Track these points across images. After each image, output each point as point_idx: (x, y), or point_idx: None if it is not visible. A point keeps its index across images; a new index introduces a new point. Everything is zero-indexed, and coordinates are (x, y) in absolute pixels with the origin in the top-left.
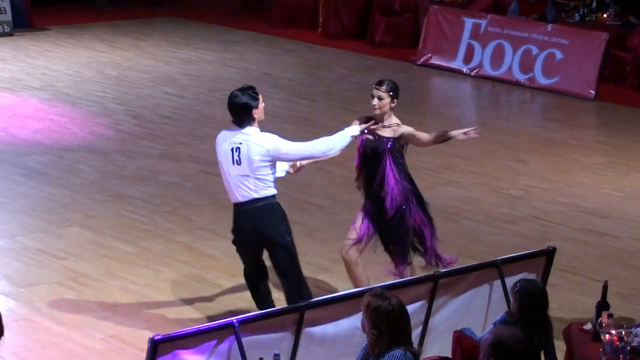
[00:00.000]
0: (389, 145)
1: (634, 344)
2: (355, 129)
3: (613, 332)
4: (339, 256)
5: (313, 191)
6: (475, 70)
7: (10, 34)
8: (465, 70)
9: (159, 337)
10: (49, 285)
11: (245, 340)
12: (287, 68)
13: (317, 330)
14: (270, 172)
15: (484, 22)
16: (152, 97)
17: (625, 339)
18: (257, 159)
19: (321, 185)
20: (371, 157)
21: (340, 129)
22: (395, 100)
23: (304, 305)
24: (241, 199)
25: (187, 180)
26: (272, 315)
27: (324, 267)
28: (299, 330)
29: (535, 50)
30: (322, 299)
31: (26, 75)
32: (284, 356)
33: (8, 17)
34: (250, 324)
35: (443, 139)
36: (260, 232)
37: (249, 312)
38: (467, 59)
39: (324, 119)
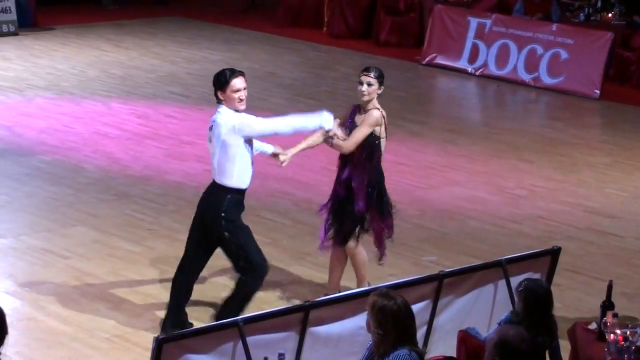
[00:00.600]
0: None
1: (639, 343)
2: (330, 123)
3: (618, 331)
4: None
5: (317, 191)
6: (480, 70)
7: (15, 34)
8: (470, 69)
9: (163, 336)
10: (53, 285)
11: (249, 339)
12: (291, 67)
13: (322, 329)
14: (234, 158)
15: (488, 22)
16: (157, 96)
17: (630, 338)
18: (224, 135)
19: (326, 184)
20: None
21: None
22: (382, 87)
23: (309, 305)
24: (212, 177)
25: (192, 180)
26: (277, 314)
27: (324, 265)
28: (304, 330)
29: (540, 49)
30: (327, 298)
31: (31, 75)
32: (289, 356)
33: (13, 16)
34: (255, 324)
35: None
36: (203, 216)
37: (254, 312)
38: (472, 58)
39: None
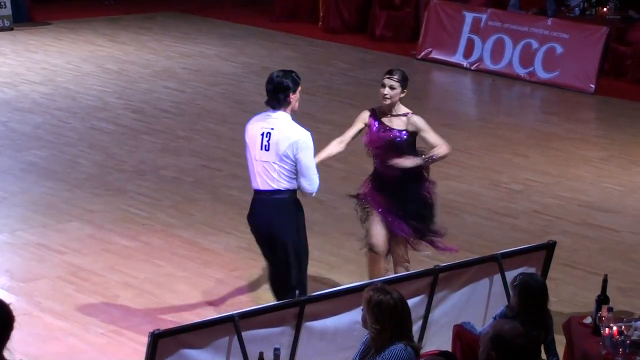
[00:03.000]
0: (405, 137)
1: (634, 337)
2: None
3: (613, 325)
4: (340, 250)
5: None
6: (476, 65)
7: (10, 29)
8: (465, 64)
9: (159, 331)
10: (49, 280)
11: (245, 334)
12: (287, 62)
13: (318, 324)
14: (294, 165)
15: (484, 16)
16: (152, 91)
17: (625, 332)
18: (284, 148)
19: (322, 179)
20: (385, 149)
21: (340, 123)
22: (405, 90)
23: (305, 300)
24: (261, 187)
25: (187, 175)
26: (273, 309)
27: (325, 261)
28: (300, 325)
29: (535, 44)
30: (323, 293)
31: (26, 70)
32: (285, 350)
33: (8, 11)
34: (251, 318)
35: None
36: (269, 224)
37: (249, 306)
38: (468, 53)
39: (324, 114)
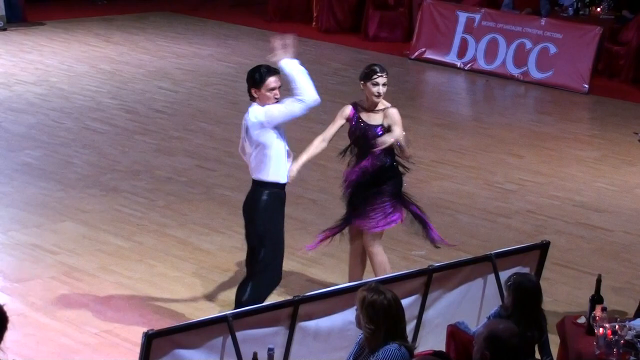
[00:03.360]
0: (379, 132)
1: (628, 337)
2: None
3: (607, 325)
4: (333, 250)
5: (307, 185)
6: (469, 65)
7: (3, 29)
8: (459, 64)
9: (152, 331)
10: (43, 280)
11: (239, 334)
12: None
13: (312, 324)
14: (265, 153)
15: (477, 16)
16: (146, 91)
17: (619, 332)
18: (256, 135)
19: (315, 179)
20: (362, 142)
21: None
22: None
23: (298, 300)
24: (251, 176)
25: (181, 175)
26: (266, 309)
27: (318, 261)
28: (293, 325)
29: (529, 44)
30: (316, 293)
31: (20, 70)
32: (278, 350)
33: (1, 11)
34: (244, 318)
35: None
36: (244, 214)
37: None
38: (461, 53)
39: (318, 113)
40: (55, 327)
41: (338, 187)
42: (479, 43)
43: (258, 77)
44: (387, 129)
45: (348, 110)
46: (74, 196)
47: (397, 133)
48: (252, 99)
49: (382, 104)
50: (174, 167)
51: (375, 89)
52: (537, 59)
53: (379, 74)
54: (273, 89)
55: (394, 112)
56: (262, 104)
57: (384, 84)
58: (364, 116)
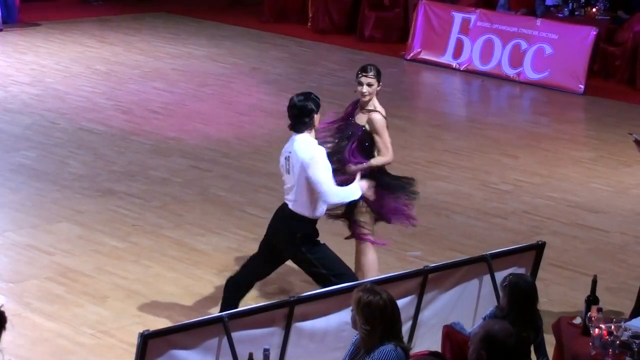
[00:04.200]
0: (359, 132)
1: (623, 338)
2: (362, 188)
3: (602, 326)
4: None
5: None
6: (465, 65)
7: None
8: (454, 65)
9: (148, 332)
10: (38, 281)
11: (235, 335)
12: (276, 63)
13: (307, 325)
14: (306, 188)
15: (473, 17)
16: (141, 92)
17: (615, 333)
18: (298, 168)
19: None
20: (341, 135)
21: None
22: (380, 84)
23: (294, 300)
24: (285, 201)
25: (176, 176)
26: (262, 310)
27: None
28: (289, 325)
29: (524, 45)
30: (312, 293)
31: (15, 71)
32: (274, 351)
33: None
34: (240, 319)
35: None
36: (274, 237)
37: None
38: (457, 53)
39: None
40: (51, 328)
41: None
42: (475, 44)
43: (317, 98)
44: (367, 134)
45: (350, 106)
46: (69, 197)
47: (361, 184)
48: (308, 127)
49: (372, 105)
50: (169, 167)
51: (359, 88)
52: (533, 59)
53: (362, 74)
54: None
55: (376, 119)
56: (311, 133)
57: (368, 84)
58: (358, 115)
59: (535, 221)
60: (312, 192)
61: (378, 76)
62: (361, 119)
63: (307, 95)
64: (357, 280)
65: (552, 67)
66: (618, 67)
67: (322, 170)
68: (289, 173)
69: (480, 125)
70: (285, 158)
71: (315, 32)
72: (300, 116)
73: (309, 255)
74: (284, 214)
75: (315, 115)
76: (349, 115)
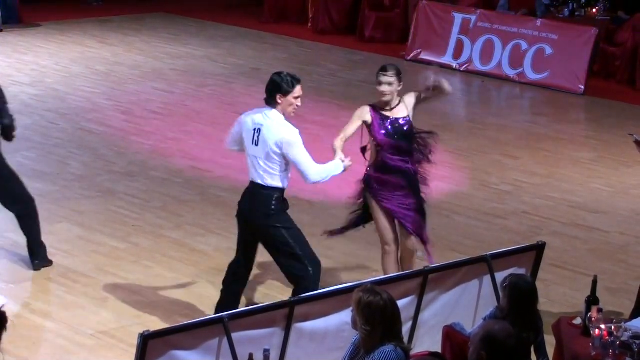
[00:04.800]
0: (409, 120)
1: (624, 338)
2: (343, 166)
3: (603, 326)
4: (328, 252)
5: (302, 187)
6: (465, 66)
7: None
8: (454, 65)
9: (148, 332)
10: (38, 282)
11: (235, 335)
12: (276, 63)
13: (308, 325)
14: (278, 165)
15: (473, 18)
16: (141, 92)
17: (615, 333)
18: (270, 145)
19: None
20: (401, 139)
21: (329, 124)
22: (401, 83)
23: (294, 301)
24: (251, 179)
25: (176, 176)
26: (262, 310)
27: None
28: (289, 326)
29: (524, 45)
30: (312, 294)
31: (15, 71)
32: (274, 351)
33: None
34: (240, 320)
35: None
36: (248, 217)
37: (239, 308)
38: (457, 54)
39: (313, 115)
40: (51, 329)
41: (334, 189)
42: (475, 44)
43: (290, 83)
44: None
45: (366, 111)
46: (69, 197)
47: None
48: (272, 104)
49: (397, 100)
50: (169, 168)
51: (378, 88)
52: (533, 60)
53: (382, 73)
54: (298, 97)
55: (407, 97)
56: (283, 112)
57: (388, 83)
58: (388, 113)
59: (535, 221)
60: (283, 163)
61: (398, 75)
62: (396, 112)
63: (280, 73)
64: (319, 267)
65: (552, 67)
66: (618, 68)
67: (300, 150)
68: (257, 145)
69: (481, 125)
70: (255, 130)
71: (315, 33)
72: (267, 89)
73: (283, 232)
74: (254, 190)
75: (279, 96)
76: (376, 119)
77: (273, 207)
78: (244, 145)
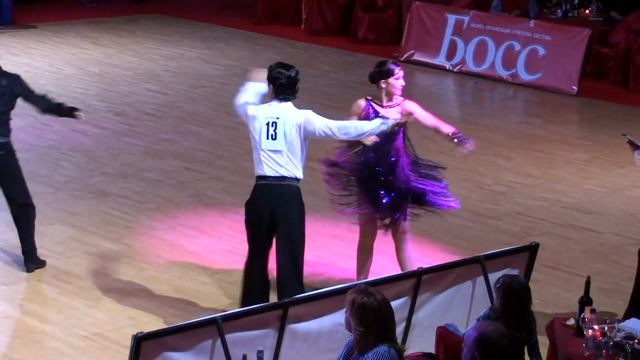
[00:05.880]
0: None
1: (617, 339)
2: (389, 124)
3: (596, 327)
4: (323, 252)
5: None
6: (458, 67)
7: None
8: (448, 66)
9: (142, 334)
10: (31, 283)
11: (228, 337)
12: (269, 64)
13: (301, 326)
14: (300, 152)
15: (466, 18)
16: (135, 94)
17: (608, 334)
18: (291, 133)
19: (304, 182)
20: (383, 136)
21: None
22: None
23: (288, 302)
24: (267, 173)
25: (170, 177)
26: (256, 312)
27: (307, 263)
28: (283, 327)
29: (517, 46)
30: (306, 295)
31: None
32: (268, 353)
33: None
34: (234, 321)
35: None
36: (275, 209)
37: (233, 309)
38: (450, 55)
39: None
40: (44, 330)
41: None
42: (468, 45)
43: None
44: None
45: (362, 104)
46: (62, 199)
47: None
48: (293, 97)
49: (397, 98)
50: (162, 169)
51: (398, 83)
52: (526, 60)
53: (398, 68)
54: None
55: (412, 103)
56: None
57: (404, 77)
58: (383, 112)
59: (528, 222)
60: (303, 153)
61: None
62: (392, 114)
63: (291, 67)
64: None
65: (545, 68)
66: (611, 69)
67: (319, 118)
68: (274, 139)
69: (474, 126)
70: (268, 124)
71: (309, 34)
72: (291, 86)
73: (298, 223)
74: (279, 183)
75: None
76: (373, 113)
77: (299, 199)
78: (254, 140)
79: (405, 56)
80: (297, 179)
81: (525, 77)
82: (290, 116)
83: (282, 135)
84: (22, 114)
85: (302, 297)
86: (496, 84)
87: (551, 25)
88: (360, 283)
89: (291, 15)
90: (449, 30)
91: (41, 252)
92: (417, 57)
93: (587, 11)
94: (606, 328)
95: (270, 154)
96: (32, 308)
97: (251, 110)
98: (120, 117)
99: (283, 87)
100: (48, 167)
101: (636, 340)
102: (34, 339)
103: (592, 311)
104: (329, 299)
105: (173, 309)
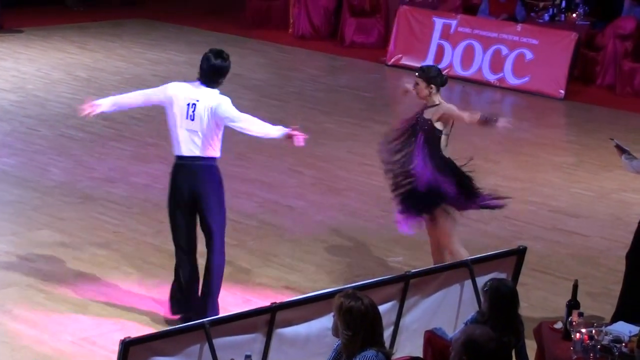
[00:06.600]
0: (425, 126)
1: (604, 342)
2: (284, 130)
3: (583, 330)
4: (310, 257)
5: (283, 192)
6: (446, 71)
7: None
8: None
9: (129, 339)
10: (19, 288)
11: (216, 341)
12: (257, 69)
13: (289, 331)
14: (217, 134)
15: (454, 23)
16: None
17: (596, 337)
18: (206, 115)
19: (292, 186)
20: (410, 131)
21: (311, 129)
22: (432, 85)
23: (276, 307)
24: (185, 153)
25: (157, 182)
26: (244, 316)
27: (295, 268)
28: (271, 331)
29: (505, 50)
30: (294, 299)
31: None
32: (256, 357)
33: None
34: (222, 325)
35: (487, 124)
36: (194, 190)
37: (220, 314)
38: (438, 59)
39: (295, 120)
40: (31, 335)
41: (315, 194)
42: (455, 49)
43: (229, 58)
44: (432, 128)
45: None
46: (50, 204)
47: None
48: (217, 85)
49: (435, 100)
50: (149, 174)
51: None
52: (514, 65)
53: (415, 73)
54: None
55: (443, 107)
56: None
57: (415, 83)
58: (426, 112)
59: (516, 226)
60: (219, 133)
61: (423, 76)
62: (427, 113)
63: (225, 57)
64: None
65: (532, 72)
66: (598, 72)
67: (232, 108)
68: (192, 120)
69: (461, 130)
70: (189, 105)
71: (296, 38)
72: (216, 74)
73: (217, 200)
74: (193, 163)
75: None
76: (417, 113)
77: (217, 177)
78: (172, 118)
79: (392, 60)
80: (214, 158)
81: (512, 81)
82: (208, 100)
83: (199, 117)
84: (9, 119)
85: (291, 302)
86: (484, 88)
87: (538, 29)
88: (348, 287)
89: (279, 19)
90: (436, 34)
91: (29, 257)
92: (405, 61)
93: (574, 15)
94: (594, 331)
95: (188, 133)
96: (19, 313)
97: (172, 89)
98: (107, 122)
99: (202, 72)
100: (35, 172)
101: (623, 344)
102: (21, 344)
103: (580, 315)
104: (316, 304)
105: (161, 314)
